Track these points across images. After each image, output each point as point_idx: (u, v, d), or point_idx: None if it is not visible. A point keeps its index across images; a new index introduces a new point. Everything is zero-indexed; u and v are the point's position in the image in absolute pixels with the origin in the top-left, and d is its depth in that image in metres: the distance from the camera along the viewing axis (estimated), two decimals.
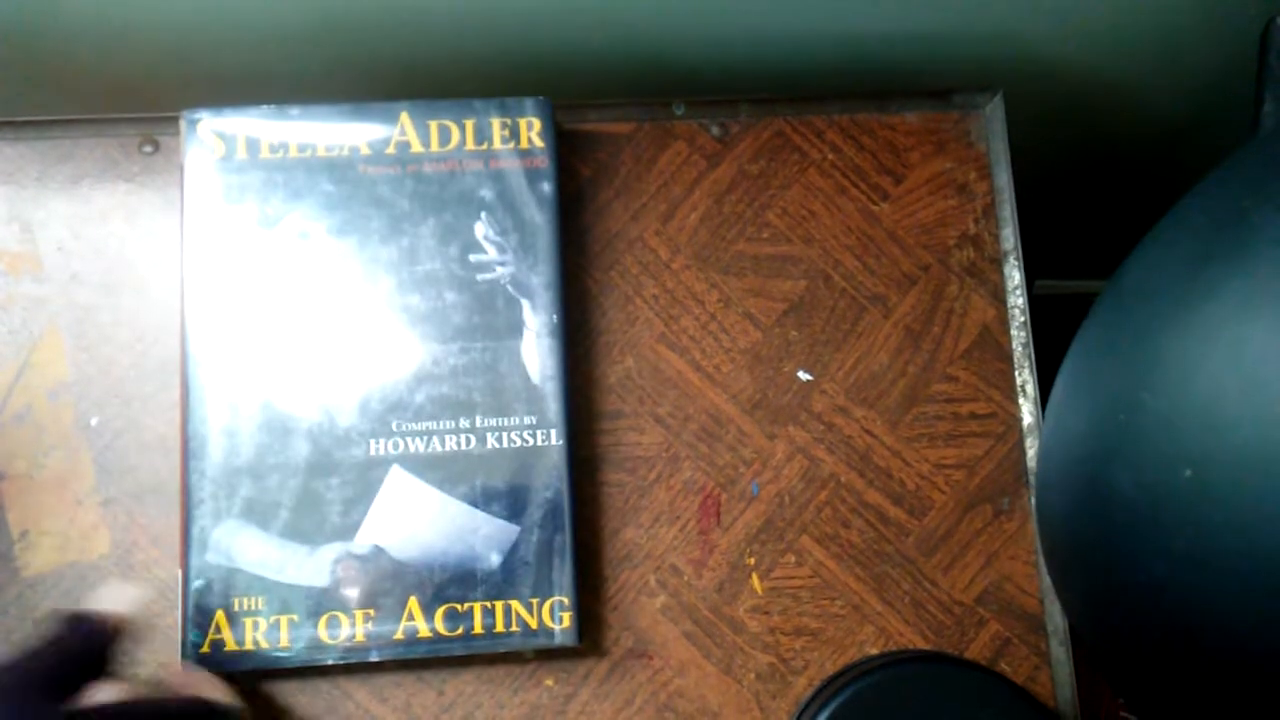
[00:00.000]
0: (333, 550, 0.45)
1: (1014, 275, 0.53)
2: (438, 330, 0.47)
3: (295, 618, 0.45)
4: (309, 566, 0.45)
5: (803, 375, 0.51)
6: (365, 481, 0.46)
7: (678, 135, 0.53)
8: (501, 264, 0.48)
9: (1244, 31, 0.54)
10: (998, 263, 0.53)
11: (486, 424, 0.47)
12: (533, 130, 0.49)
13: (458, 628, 0.45)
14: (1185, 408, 0.32)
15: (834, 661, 0.49)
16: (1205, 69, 0.60)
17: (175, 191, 0.51)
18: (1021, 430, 0.51)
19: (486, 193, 0.48)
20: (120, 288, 0.50)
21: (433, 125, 0.49)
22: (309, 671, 0.47)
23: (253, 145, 0.48)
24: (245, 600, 0.45)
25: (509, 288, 0.48)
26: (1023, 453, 0.51)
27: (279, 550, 0.45)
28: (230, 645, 0.44)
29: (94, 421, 0.48)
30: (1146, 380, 0.33)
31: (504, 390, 0.47)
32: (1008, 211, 0.53)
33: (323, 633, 0.45)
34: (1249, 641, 0.31)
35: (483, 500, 0.46)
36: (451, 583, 0.46)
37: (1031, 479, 0.51)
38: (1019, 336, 0.52)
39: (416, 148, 0.48)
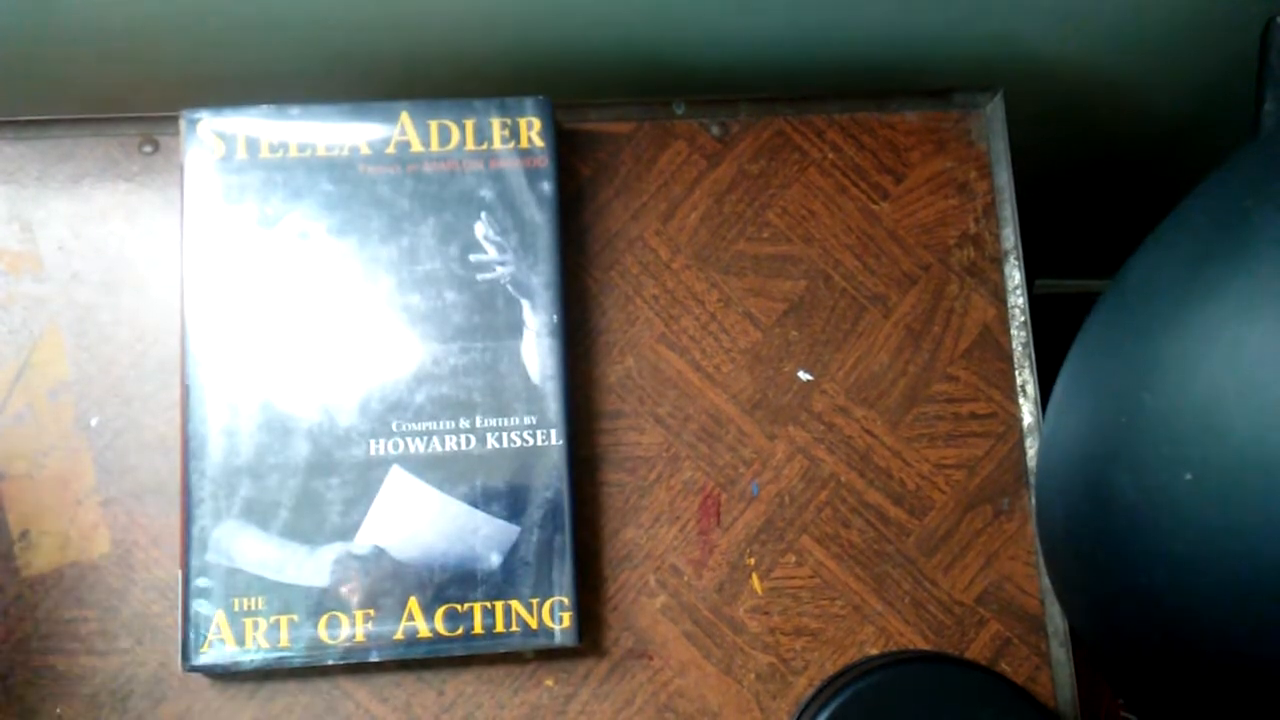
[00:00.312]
0: (333, 550, 0.45)
1: (1014, 275, 0.53)
2: (438, 330, 0.47)
3: (295, 618, 0.45)
4: (309, 566, 0.45)
5: (803, 375, 0.51)
6: (365, 481, 0.46)
7: (678, 135, 0.53)
8: (501, 264, 0.48)
9: (1244, 31, 0.54)
10: (998, 262, 0.53)
11: (486, 424, 0.47)
12: (533, 130, 0.49)
13: (458, 628, 0.45)
14: (1186, 409, 0.32)
15: (834, 661, 0.49)
16: (1205, 69, 0.60)
17: (175, 191, 0.51)
18: (1022, 430, 0.51)
19: (486, 192, 0.48)
20: (120, 287, 0.50)
21: (433, 125, 0.49)
22: (309, 671, 0.47)
23: (253, 145, 0.48)
24: (245, 600, 0.45)
25: (509, 287, 0.48)
26: (1023, 453, 0.51)
27: (279, 550, 0.45)
28: (230, 645, 0.44)
29: (94, 421, 0.48)
30: (1147, 381, 0.33)
31: (504, 390, 0.47)
32: (1008, 211, 0.53)
33: (323, 633, 0.45)
34: (1248, 643, 0.31)
35: (483, 500, 0.46)
36: (451, 583, 0.46)
37: (1031, 479, 0.51)
38: (1019, 336, 0.52)
39: (416, 147, 0.48)
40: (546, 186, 0.48)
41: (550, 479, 0.46)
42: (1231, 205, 0.34)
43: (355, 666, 0.47)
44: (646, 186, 0.52)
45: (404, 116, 0.48)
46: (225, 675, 0.47)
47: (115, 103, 0.57)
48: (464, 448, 0.46)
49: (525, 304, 0.48)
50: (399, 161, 0.48)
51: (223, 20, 0.51)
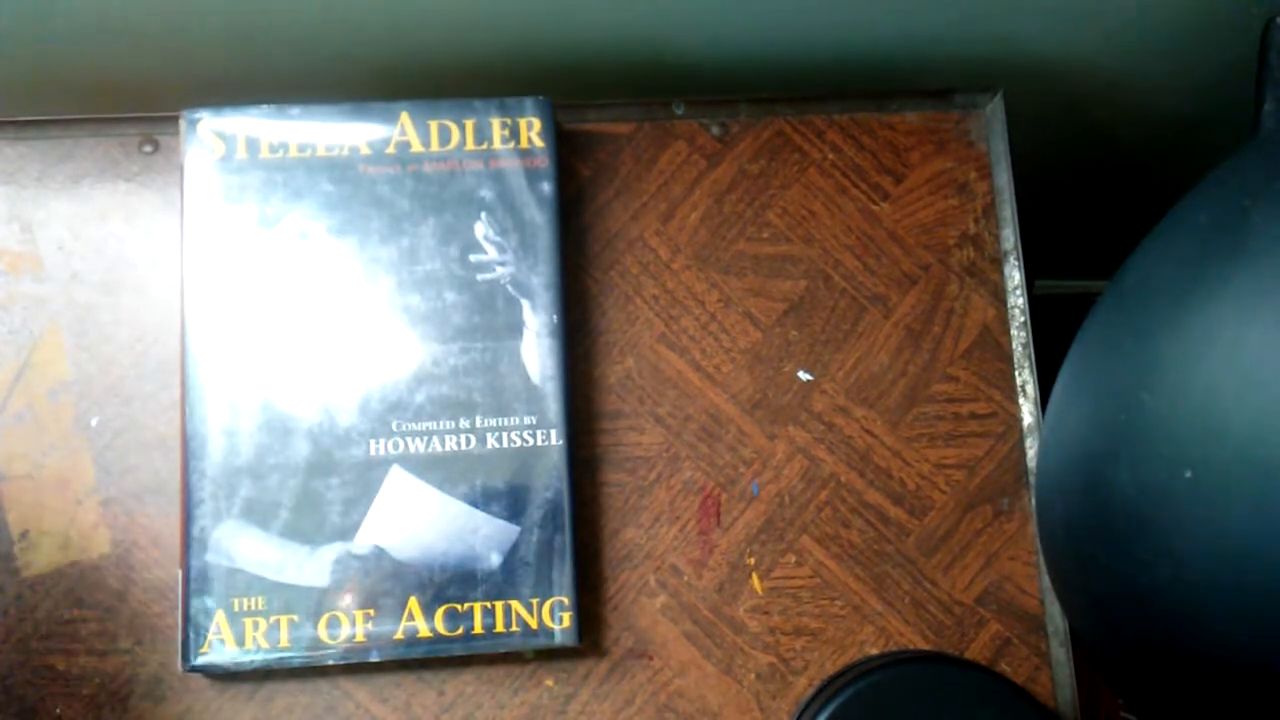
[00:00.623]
0: (333, 550, 0.45)
1: (1014, 275, 0.53)
2: (438, 330, 0.47)
3: (295, 618, 0.45)
4: (309, 566, 0.45)
5: (803, 375, 0.51)
6: (365, 481, 0.46)
7: (678, 135, 0.53)
8: (501, 264, 0.48)
9: (1244, 31, 0.54)
10: (998, 263, 0.53)
11: (486, 424, 0.47)
12: (533, 130, 0.49)
13: (458, 628, 0.45)
14: (1185, 408, 0.32)
15: (834, 661, 0.49)
16: (1205, 69, 0.60)
17: (175, 191, 0.51)
18: (1021, 430, 0.51)
19: (486, 193, 0.48)
20: (120, 287, 0.50)
21: (433, 125, 0.49)
22: (309, 671, 0.47)
23: (253, 145, 0.48)
24: (245, 600, 0.45)
25: (509, 288, 0.48)
26: (1023, 453, 0.51)
27: (279, 550, 0.45)
28: (230, 645, 0.44)
29: (94, 421, 0.48)
30: (1146, 380, 0.33)
31: (504, 390, 0.47)
32: (1008, 211, 0.53)
33: (323, 633, 0.45)
34: (1248, 642, 0.31)
35: (483, 500, 0.46)
36: (451, 583, 0.46)
37: (1031, 479, 0.51)
38: (1019, 336, 0.52)
39: (416, 148, 0.48)
40: (546, 187, 0.48)
41: (550, 479, 0.46)
42: (1231, 205, 0.34)
43: (355, 666, 0.47)
44: (646, 187, 0.52)
45: (404, 116, 0.48)
46: (225, 675, 0.47)
47: (115, 103, 0.57)
48: (464, 448, 0.46)
49: (525, 304, 0.48)
50: (399, 161, 0.48)
51: (223, 20, 0.51)
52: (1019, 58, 0.58)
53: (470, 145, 0.48)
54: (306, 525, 0.45)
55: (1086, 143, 0.70)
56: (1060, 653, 0.50)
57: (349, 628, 0.45)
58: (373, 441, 0.46)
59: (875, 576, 0.50)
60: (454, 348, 0.47)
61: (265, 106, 0.48)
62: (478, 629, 0.45)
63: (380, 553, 0.45)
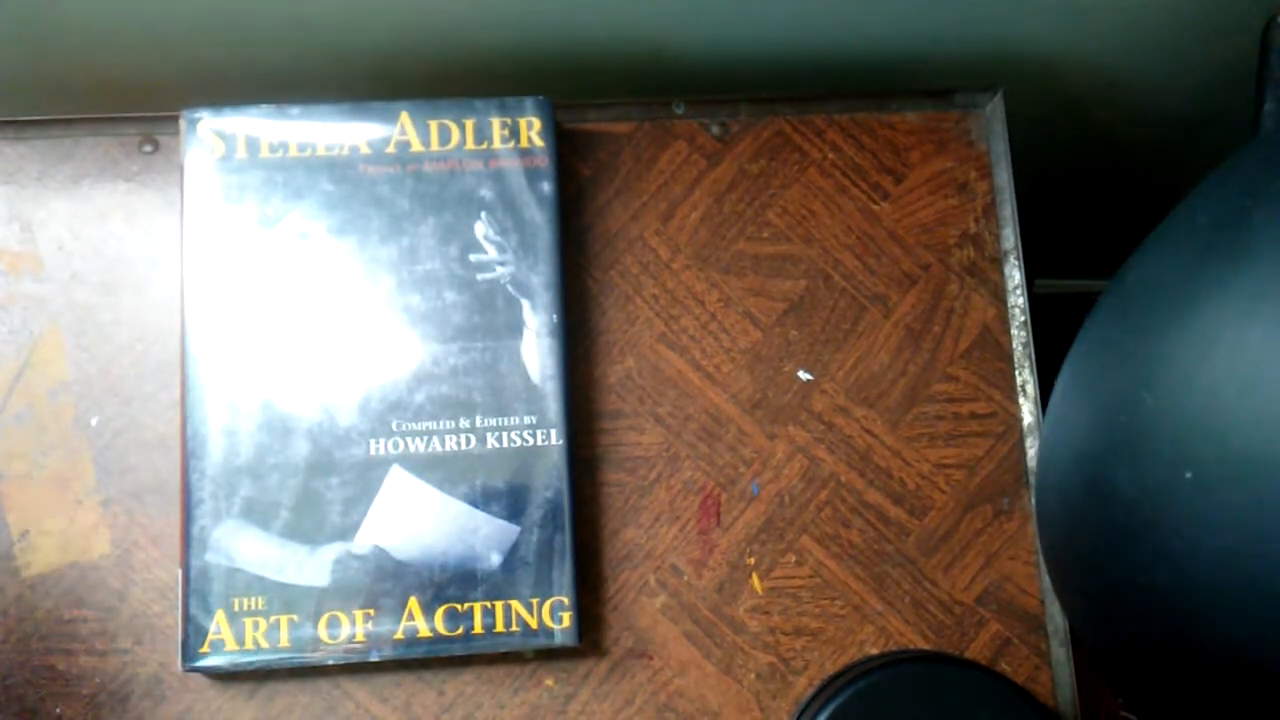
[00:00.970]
0: (333, 550, 0.45)
1: (1014, 275, 0.53)
2: (438, 330, 0.47)
3: (295, 618, 0.45)
4: (309, 566, 0.45)
5: (803, 375, 0.51)
6: (365, 481, 0.46)
7: (678, 135, 0.53)
8: (501, 264, 0.48)
9: (1244, 31, 0.54)
10: (998, 262, 0.53)
11: (486, 424, 0.47)
12: (533, 130, 0.49)
13: (458, 628, 0.45)
14: (1186, 407, 0.32)
15: (834, 661, 0.49)
16: (1206, 69, 0.60)
17: (175, 191, 0.51)
18: (1021, 430, 0.51)
19: (486, 192, 0.48)
20: (120, 287, 0.50)
21: (433, 125, 0.49)
22: (309, 671, 0.47)
23: (253, 145, 0.48)
24: (245, 600, 0.45)
25: (509, 287, 0.48)
26: (1023, 453, 0.51)
27: (279, 550, 0.45)
28: (230, 645, 0.44)
29: (94, 421, 0.48)
30: (1147, 380, 0.33)
31: (504, 390, 0.47)
32: (1008, 211, 0.53)
33: (323, 633, 0.45)
34: (1248, 642, 0.31)
35: (483, 500, 0.46)
36: (451, 583, 0.46)
37: (1031, 479, 0.51)
38: (1019, 336, 0.52)
39: (416, 147, 0.48)
40: (546, 186, 0.48)
41: (550, 479, 0.46)
42: (1231, 205, 0.34)
43: (355, 666, 0.47)
44: (646, 186, 0.52)
45: (404, 116, 0.48)
46: (225, 675, 0.47)
47: (115, 103, 0.57)
48: (464, 447, 0.46)
49: (525, 304, 0.48)
50: (399, 161, 0.48)
51: (223, 20, 0.51)
52: (1019, 58, 0.58)
53: (470, 145, 0.48)
54: (306, 525, 0.45)
55: (1086, 143, 0.70)
56: (1060, 653, 0.50)
57: (349, 628, 0.45)
58: (373, 441, 0.46)
59: (875, 576, 0.50)
60: (454, 347, 0.47)
61: (265, 106, 0.48)
62: (478, 629, 0.45)
63: (380, 553, 0.45)
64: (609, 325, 0.51)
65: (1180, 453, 0.32)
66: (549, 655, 0.48)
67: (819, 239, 0.52)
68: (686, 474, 0.50)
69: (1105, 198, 0.79)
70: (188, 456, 0.45)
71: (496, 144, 0.49)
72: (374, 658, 0.45)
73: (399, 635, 0.45)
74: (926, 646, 0.49)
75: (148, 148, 0.51)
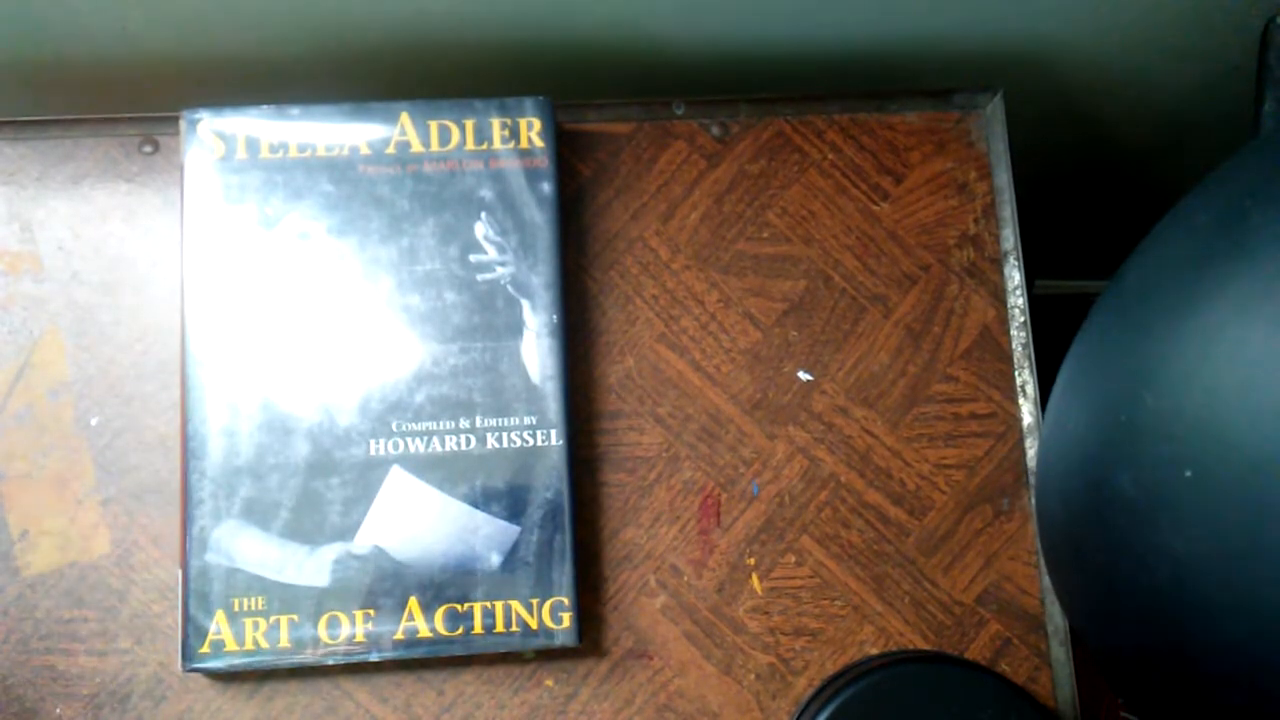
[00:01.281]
0: (333, 550, 0.45)
1: (1014, 275, 0.53)
2: (438, 330, 0.47)
3: (295, 618, 0.45)
4: (309, 566, 0.45)
5: (803, 375, 0.51)
6: (365, 481, 0.46)
7: (678, 135, 0.53)
8: (501, 264, 0.48)
9: (1244, 31, 0.54)
10: (998, 263, 0.53)
11: (486, 424, 0.47)
12: (533, 130, 0.49)
13: (458, 628, 0.45)
14: (1186, 408, 0.32)
15: (834, 661, 0.49)
16: (1205, 69, 0.60)
17: (175, 191, 0.51)
18: (1021, 430, 0.51)
19: (486, 193, 0.48)
20: (120, 288, 0.50)
21: (433, 125, 0.49)
22: (309, 671, 0.47)
23: (253, 145, 0.48)
24: (245, 600, 0.45)
25: (509, 288, 0.48)
26: (1023, 453, 0.51)
27: (279, 550, 0.45)
28: (230, 645, 0.44)
29: (94, 421, 0.48)
30: (1147, 380, 0.33)
31: (504, 390, 0.47)
32: (1008, 211, 0.53)
33: (323, 633, 0.45)
34: (1248, 642, 0.31)
35: (483, 500, 0.46)
36: (451, 583, 0.46)
37: (1031, 479, 0.51)
38: (1019, 336, 0.52)
39: (416, 148, 0.48)
40: (546, 187, 0.48)
41: (550, 479, 0.46)
42: (1231, 205, 0.34)
43: (355, 666, 0.47)
44: (646, 187, 0.52)
45: (404, 117, 0.48)
46: (225, 675, 0.47)
47: (115, 103, 0.57)
48: (464, 448, 0.46)
49: (525, 304, 0.48)
50: (399, 162, 0.48)
51: (223, 20, 0.51)
52: (1019, 57, 0.58)
53: (470, 145, 0.48)
54: (306, 525, 0.45)
55: (1086, 143, 0.70)
56: (1060, 653, 0.50)
57: (349, 628, 0.45)
58: (373, 441, 0.46)
59: (875, 576, 0.50)
60: (454, 348, 0.47)
61: (265, 106, 0.48)
62: (478, 629, 0.45)
63: (380, 553, 0.45)
64: (609, 325, 0.51)
65: (1180, 453, 0.32)
66: (549, 655, 0.48)
67: (819, 239, 0.52)
68: (686, 474, 0.50)
69: (1105, 198, 0.79)
70: (188, 456, 0.45)
71: (496, 144, 0.49)
72: (374, 658, 0.45)
73: (399, 635, 0.45)
74: (926, 647, 0.49)
75: (148, 148, 0.51)
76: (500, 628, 0.45)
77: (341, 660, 0.45)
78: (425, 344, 0.47)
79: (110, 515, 0.48)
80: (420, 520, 0.46)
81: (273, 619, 0.45)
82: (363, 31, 0.53)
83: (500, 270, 0.48)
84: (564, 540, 0.46)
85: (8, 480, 0.48)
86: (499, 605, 0.46)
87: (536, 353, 0.47)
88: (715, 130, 0.53)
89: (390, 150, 0.48)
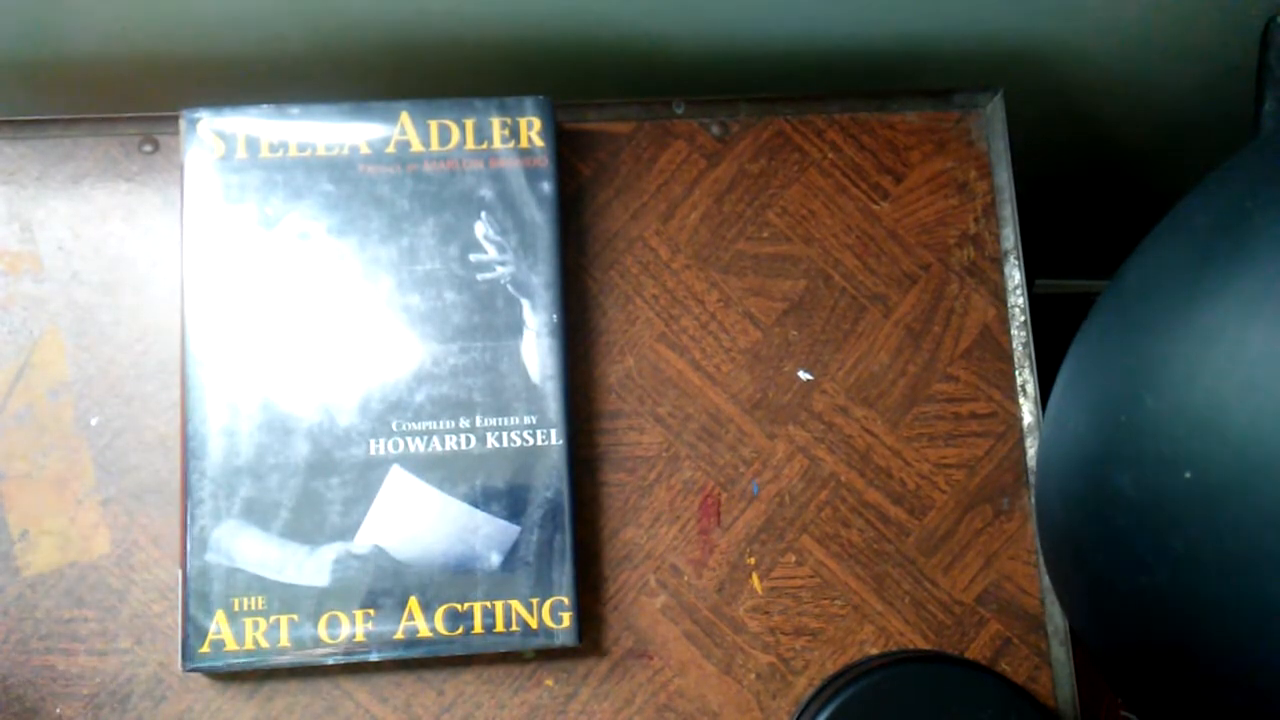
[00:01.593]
0: (333, 550, 0.45)
1: (1014, 275, 0.53)
2: (438, 330, 0.47)
3: (295, 618, 0.45)
4: (309, 566, 0.45)
5: (803, 375, 0.51)
6: (365, 481, 0.46)
7: (678, 135, 0.53)
8: (501, 264, 0.48)
9: (1244, 31, 0.54)
10: (998, 262, 0.53)
11: (486, 424, 0.47)
12: (533, 130, 0.49)
13: (458, 628, 0.45)
14: (1186, 408, 0.32)
15: (834, 661, 0.49)
16: (1205, 69, 0.60)
17: (175, 191, 0.51)
18: (1021, 430, 0.51)
19: (486, 192, 0.48)
20: (120, 287, 0.50)
21: (433, 125, 0.49)
22: (309, 671, 0.47)
23: (253, 145, 0.48)
24: (245, 600, 0.45)
25: (509, 287, 0.48)
26: (1023, 453, 0.51)
27: (279, 550, 0.45)
28: (230, 645, 0.44)
29: (94, 421, 0.48)
30: (1147, 380, 0.33)
31: (504, 390, 0.47)
32: (1008, 211, 0.53)
33: (323, 633, 0.45)
34: (1248, 642, 0.31)
35: (483, 500, 0.46)
36: (451, 583, 0.46)
37: (1031, 479, 0.51)
38: (1019, 336, 0.52)
39: (416, 147, 0.48)
40: (546, 186, 0.48)
41: (550, 479, 0.46)
42: (1231, 205, 0.34)
43: (355, 666, 0.47)
44: (646, 186, 0.52)
45: (404, 116, 0.48)
46: (225, 675, 0.47)
47: (115, 103, 0.57)
48: (464, 447, 0.46)
49: (525, 304, 0.48)
50: (399, 161, 0.48)
51: (223, 20, 0.51)
52: (1019, 57, 0.58)
53: (470, 145, 0.48)
54: (306, 525, 0.45)
55: (1086, 143, 0.70)
56: (1060, 653, 0.50)
57: (349, 628, 0.45)
58: (373, 441, 0.46)
59: (875, 576, 0.50)
60: (454, 347, 0.47)
61: (265, 106, 0.48)
62: (478, 629, 0.45)
63: (380, 553, 0.45)
64: (609, 325, 0.51)
65: (1180, 453, 0.32)
66: (549, 655, 0.48)
67: (819, 239, 0.52)
68: (686, 474, 0.50)
69: (1105, 198, 0.79)
70: (188, 456, 0.45)
71: (496, 144, 0.49)
72: (374, 658, 0.45)
73: (399, 635, 0.45)
74: (926, 646, 0.49)
75: (148, 148, 0.51)
76: (500, 627, 0.45)
77: (341, 660, 0.45)
78: (425, 344, 0.47)
79: (110, 515, 0.48)
80: (420, 520, 0.46)
81: (273, 619, 0.45)
82: (363, 31, 0.53)
83: (500, 270, 0.48)
84: (564, 540, 0.46)
85: (8, 480, 0.48)
86: (499, 605, 0.46)
87: (536, 352, 0.47)
88: (715, 130, 0.53)
89: (390, 150, 0.48)
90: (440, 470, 0.46)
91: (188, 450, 0.46)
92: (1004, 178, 0.53)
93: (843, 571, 0.50)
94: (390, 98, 0.50)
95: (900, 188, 0.53)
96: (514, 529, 0.46)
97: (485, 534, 0.46)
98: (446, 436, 0.46)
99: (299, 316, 0.47)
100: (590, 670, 0.48)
